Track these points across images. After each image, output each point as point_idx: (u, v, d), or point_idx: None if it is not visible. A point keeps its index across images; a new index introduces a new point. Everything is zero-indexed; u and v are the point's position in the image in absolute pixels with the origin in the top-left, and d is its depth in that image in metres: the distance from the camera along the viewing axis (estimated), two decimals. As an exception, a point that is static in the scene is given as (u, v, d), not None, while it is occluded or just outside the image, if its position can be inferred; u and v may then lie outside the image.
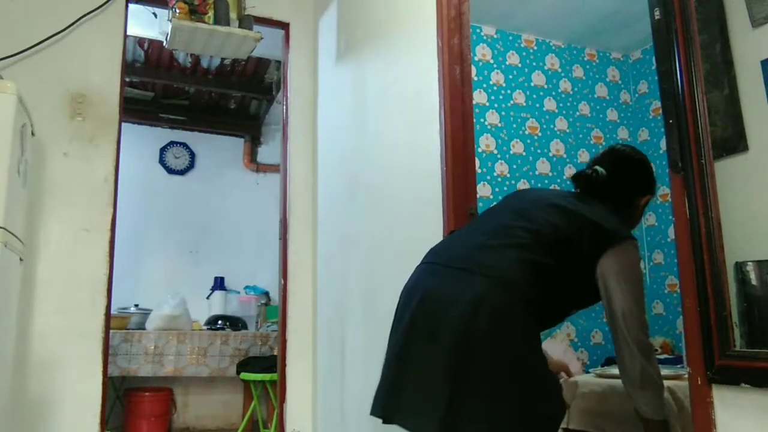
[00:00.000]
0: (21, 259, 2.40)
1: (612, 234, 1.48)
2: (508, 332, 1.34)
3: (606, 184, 1.64)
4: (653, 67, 4.12)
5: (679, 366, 1.92)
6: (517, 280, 1.40)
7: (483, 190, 3.86)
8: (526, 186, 4.06)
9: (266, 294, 4.93)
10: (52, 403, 2.57)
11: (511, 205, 1.63)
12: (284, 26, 3.48)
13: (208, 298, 4.84)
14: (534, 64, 4.21)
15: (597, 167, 1.66)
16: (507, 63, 4.14)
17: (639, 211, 1.70)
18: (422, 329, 1.39)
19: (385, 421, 1.41)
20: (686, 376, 1.55)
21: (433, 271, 1.49)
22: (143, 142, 5.02)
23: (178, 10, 2.79)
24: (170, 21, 2.80)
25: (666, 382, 1.60)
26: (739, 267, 1.20)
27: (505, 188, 4.00)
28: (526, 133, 4.13)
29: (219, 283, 4.93)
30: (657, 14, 1.28)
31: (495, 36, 4.13)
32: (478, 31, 4.03)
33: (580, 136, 4.29)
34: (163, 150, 5.19)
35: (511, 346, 1.33)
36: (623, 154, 1.77)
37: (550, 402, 1.38)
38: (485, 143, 4.00)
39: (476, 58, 4.00)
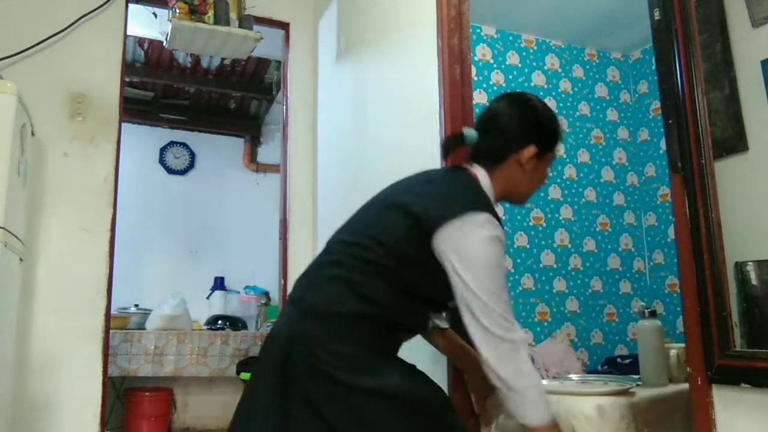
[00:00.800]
0: (21, 259, 2.40)
1: (434, 220, 1.29)
2: (320, 368, 1.24)
3: (477, 147, 1.45)
4: (653, 67, 4.12)
5: (630, 377, 1.76)
6: (329, 307, 1.29)
7: (483, 190, 3.86)
8: (526, 186, 4.05)
9: (266, 294, 4.93)
10: (52, 403, 2.57)
11: (361, 210, 1.53)
12: (284, 26, 3.48)
13: (208, 298, 4.84)
14: (534, 64, 4.22)
15: (465, 129, 1.48)
16: (507, 63, 4.14)
17: (525, 167, 1.42)
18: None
19: None
20: (633, 389, 1.52)
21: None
22: (143, 142, 5.02)
23: (178, 10, 2.79)
24: (170, 21, 2.80)
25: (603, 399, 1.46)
26: (739, 267, 1.20)
27: (505, 188, 4.00)
28: (526, 133, 4.13)
29: (219, 283, 4.93)
30: (657, 14, 1.28)
31: (495, 36, 4.13)
32: (478, 31, 4.03)
33: (580, 136, 4.29)
34: (163, 150, 5.19)
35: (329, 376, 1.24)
36: (493, 105, 1.51)
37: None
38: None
39: (476, 58, 4.00)
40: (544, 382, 1.80)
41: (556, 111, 4.25)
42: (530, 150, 1.41)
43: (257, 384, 1.36)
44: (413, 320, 1.38)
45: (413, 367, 1.34)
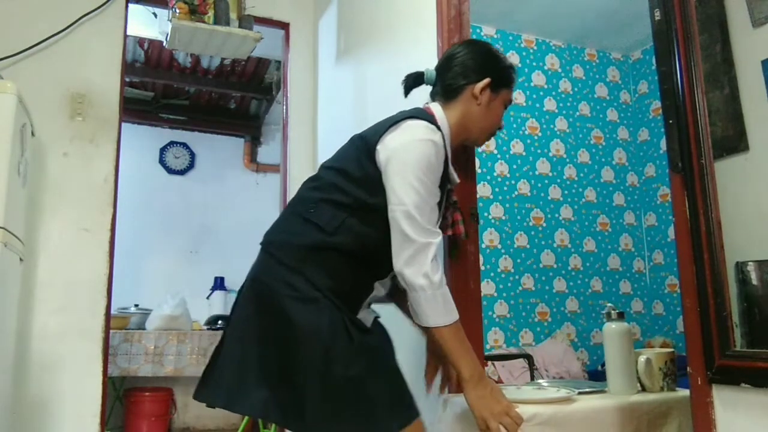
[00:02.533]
0: (21, 259, 2.40)
1: (375, 134, 1.37)
2: (268, 300, 1.32)
3: (435, 85, 1.52)
4: (653, 67, 4.13)
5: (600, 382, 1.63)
6: (283, 239, 1.37)
7: (483, 190, 3.86)
8: (527, 186, 4.06)
9: (266, 294, 4.93)
10: (52, 403, 2.57)
11: None
12: (284, 26, 3.48)
13: (208, 298, 4.84)
14: (534, 64, 4.22)
15: (426, 69, 1.55)
16: (507, 63, 4.14)
17: (479, 99, 1.46)
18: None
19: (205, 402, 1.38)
20: (574, 397, 1.40)
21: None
22: (143, 142, 5.03)
23: (178, 10, 2.79)
24: (170, 21, 2.80)
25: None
26: (740, 267, 1.20)
27: (505, 188, 4.01)
28: (526, 133, 4.14)
29: (219, 283, 4.93)
30: (657, 14, 1.28)
31: (495, 36, 4.13)
32: (478, 31, 4.03)
33: (580, 136, 4.30)
34: (163, 150, 5.19)
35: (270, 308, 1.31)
36: (450, 49, 1.59)
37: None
38: (485, 143, 3.99)
39: (476, 58, 4.00)
40: (543, 382, 1.76)
41: (556, 111, 4.26)
42: (484, 81, 1.46)
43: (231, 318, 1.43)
44: (370, 249, 1.36)
45: (358, 321, 1.34)
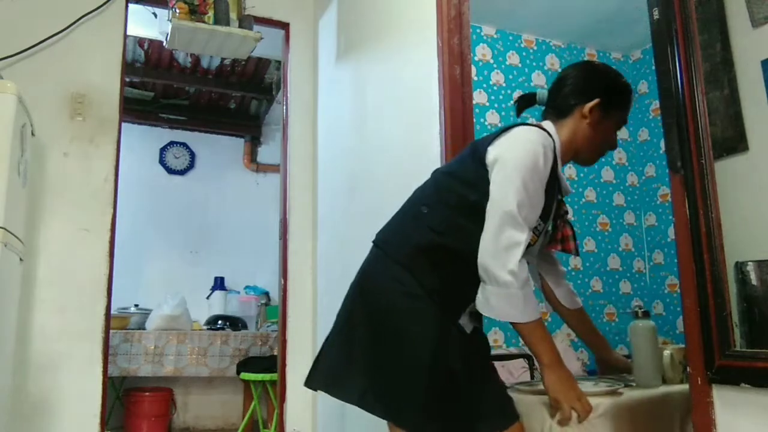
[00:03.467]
0: (21, 259, 2.40)
1: (487, 142, 1.40)
2: (375, 292, 1.39)
3: (546, 105, 1.56)
4: (653, 67, 4.12)
5: (626, 377, 1.72)
6: (397, 238, 1.42)
7: (483, 190, 3.86)
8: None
9: (266, 294, 4.94)
10: (52, 403, 2.57)
11: None
12: (284, 26, 3.48)
13: (208, 298, 4.84)
14: (534, 64, 4.22)
15: (538, 90, 1.60)
16: (507, 63, 4.14)
17: (590, 118, 1.47)
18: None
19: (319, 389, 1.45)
20: (621, 390, 1.47)
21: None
22: (143, 142, 5.03)
23: (178, 10, 2.79)
24: (170, 21, 2.80)
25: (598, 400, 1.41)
26: (739, 267, 1.20)
27: (505, 188, 4.00)
28: (526, 133, 4.13)
29: (219, 283, 4.93)
30: (657, 14, 1.28)
31: (495, 36, 4.13)
32: (478, 31, 4.03)
33: (580, 136, 4.29)
34: (163, 150, 5.19)
35: (379, 306, 1.37)
36: (563, 71, 1.61)
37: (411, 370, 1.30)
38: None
39: (476, 58, 4.00)
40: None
41: (556, 111, 4.26)
42: (594, 101, 1.47)
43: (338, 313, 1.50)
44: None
45: (457, 331, 1.38)
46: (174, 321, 4.08)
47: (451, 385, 1.31)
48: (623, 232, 4.30)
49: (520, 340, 4.14)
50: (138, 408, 4.05)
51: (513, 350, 3.65)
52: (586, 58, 4.41)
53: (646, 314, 1.62)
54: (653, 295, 4.23)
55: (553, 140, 1.43)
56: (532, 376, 3.14)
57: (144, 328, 4.12)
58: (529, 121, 1.51)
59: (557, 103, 1.52)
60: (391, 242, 1.44)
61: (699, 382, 1.17)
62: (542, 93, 1.58)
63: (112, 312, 2.81)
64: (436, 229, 1.37)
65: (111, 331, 2.81)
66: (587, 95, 1.48)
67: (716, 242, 1.16)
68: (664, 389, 1.55)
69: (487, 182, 1.35)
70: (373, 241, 1.50)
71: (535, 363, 3.47)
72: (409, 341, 1.32)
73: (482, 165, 1.38)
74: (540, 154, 1.33)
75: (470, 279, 1.35)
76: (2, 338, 2.15)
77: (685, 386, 1.48)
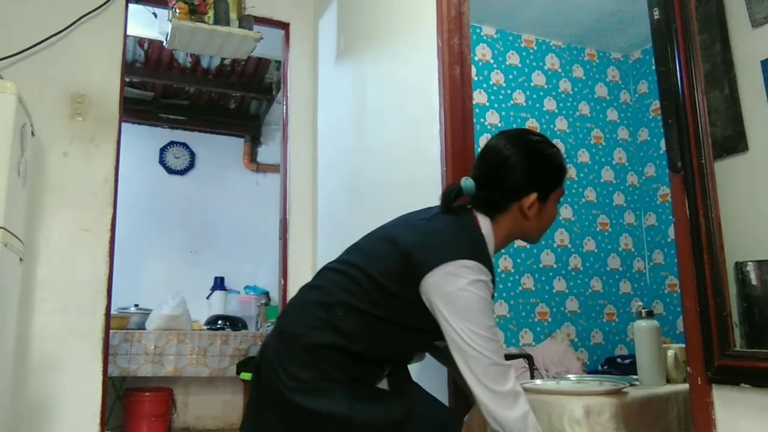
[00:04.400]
0: (21, 259, 2.40)
1: (423, 262, 1.29)
2: (279, 397, 1.32)
3: (476, 197, 1.41)
4: (653, 67, 4.12)
5: (630, 377, 1.73)
6: (300, 335, 1.35)
7: (483, 190, 3.86)
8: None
9: (266, 294, 4.93)
10: (52, 403, 2.57)
11: (360, 240, 1.50)
12: (284, 26, 3.48)
13: (208, 298, 4.84)
14: (534, 64, 4.22)
15: (463, 180, 1.41)
16: (507, 63, 4.14)
17: (528, 214, 1.39)
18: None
19: None
20: (627, 389, 1.50)
21: None
22: (143, 142, 5.02)
23: (178, 10, 2.79)
24: (170, 21, 2.80)
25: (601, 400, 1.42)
26: (739, 267, 1.20)
27: (505, 188, 4.00)
28: (526, 133, 4.13)
29: (219, 283, 4.93)
30: (657, 14, 1.28)
31: (495, 36, 4.13)
32: (478, 31, 4.03)
33: (580, 136, 4.29)
34: (163, 150, 5.19)
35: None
36: (489, 149, 1.45)
37: None
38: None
39: (476, 58, 4.00)
40: (539, 382, 1.81)
41: (556, 111, 4.26)
42: (531, 198, 1.38)
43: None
44: (398, 350, 1.39)
45: (375, 391, 1.37)
46: (174, 321, 4.08)
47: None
48: (623, 232, 4.30)
49: (521, 339, 4.12)
50: (138, 408, 4.05)
51: (513, 350, 3.65)
52: (586, 59, 4.41)
53: (650, 314, 1.64)
54: (653, 295, 4.23)
55: (488, 246, 1.37)
56: (532, 377, 3.14)
57: (144, 328, 4.12)
58: (467, 214, 1.42)
59: (489, 200, 1.41)
60: (294, 336, 1.35)
61: (699, 382, 1.17)
62: (468, 186, 1.40)
63: (112, 312, 2.81)
64: (350, 337, 1.31)
65: (111, 331, 2.81)
66: (519, 193, 1.39)
67: (716, 242, 1.16)
68: (668, 388, 1.58)
69: (418, 306, 1.30)
70: (276, 328, 1.43)
71: (535, 363, 3.47)
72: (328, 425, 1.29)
73: (417, 291, 1.30)
74: (488, 296, 1.29)
75: (380, 368, 1.38)
76: (2, 338, 2.15)
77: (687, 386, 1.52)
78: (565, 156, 1.51)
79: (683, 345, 1.58)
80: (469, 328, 1.25)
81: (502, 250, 1.67)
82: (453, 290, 1.27)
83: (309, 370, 1.30)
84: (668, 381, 1.65)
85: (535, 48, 4.25)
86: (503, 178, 1.40)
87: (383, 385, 1.41)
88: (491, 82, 4.06)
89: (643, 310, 1.65)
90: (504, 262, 3.91)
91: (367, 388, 1.37)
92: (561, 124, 4.24)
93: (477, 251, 1.32)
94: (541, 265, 4.01)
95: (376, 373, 1.40)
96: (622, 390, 1.47)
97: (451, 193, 1.42)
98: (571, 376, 1.81)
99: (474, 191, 1.40)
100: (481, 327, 1.26)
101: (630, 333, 4.19)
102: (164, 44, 3.01)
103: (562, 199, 1.48)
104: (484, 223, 1.40)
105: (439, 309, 1.28)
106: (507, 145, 1.42)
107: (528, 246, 3.99)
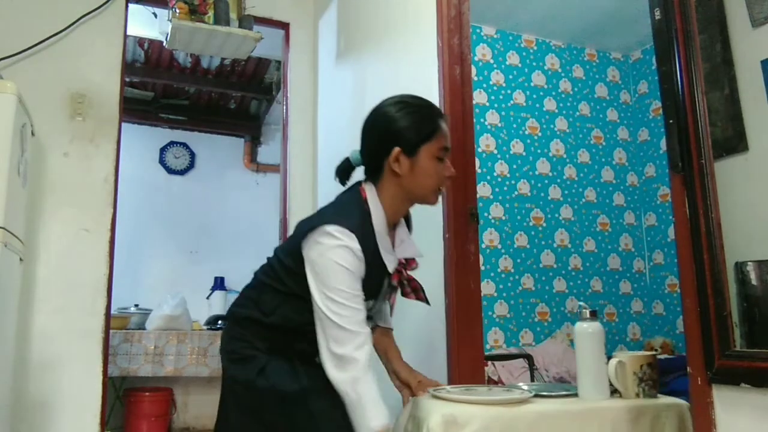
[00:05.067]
0: (21, 259, 2.40)
1: (301, 234, 1.39)
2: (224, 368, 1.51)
3: (362, 163, 1.49)
4: (653, 67, 4.13)
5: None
6: (234, 314, 1.53)
7: (483, 190, 3.86)
8: (527, 186, 4.06)
9: (266, 294, 4.93)
10: (52, 403, 2.57)
11: None
12: (284, 26, 3.48)
13: (208, 298, 4.84)
14: (534, 64, 4.22)
15: (351, 152, 1.51)
16: (507, 63, 4.15)
17: (400, 170, 1.40)
18: None
19: None
20: (529, 400, 1.30)
21: None
22: (143, 142, 5.02)
23: (178, 10, 2.79)
24: (170, 21, 2.81)
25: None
26: (739, 267, 1.20)
27: (505, 188, 4.01)
28: (526, 133, 4.14)
29: (219, 283, 4.93)
30: (657, 14, 1.28)
31: (495, 36, 4.13)
32: (478, 31, 4.03)
33: (580, 136, 4.29)
34: (163, 150, 5.19)
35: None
36: (364, 122, 1.50)
37: None
38: (485, 143, 4.00)
39: (476, 58, 4.00)
40: (525, 386, 1.57)
41: (556, 111, 4.26)
42: (394, 153, 1.40)
43: None
44: (304, 321, 1.40)
45: (287, 361, 1.43)
46: (174, 321, 4.08)
47: (297, 408, 1.37)
48: (623, 232, 4.30)
49: (521, 339, 4.12)
50: (138, 408, 4.04)
51: (513, 350, 3.65)
52: (586, 59, 4.41)
53: (594, 315, 1.41)
54: (653, 295, 4.23)
55: (368, 215, 1.40)
56: (532, 377, 3.14)
57: (144, 328, 4.11)
58: (356, 189, 1.47)
59: (368, 166, 1.47)
60: (230, 316, 1.55)
61: (699, 382, 1.17)
62: (354, 156, 1.49)
63: (112, 312, 2.81)
64: (265, 311, 1.45)
65: (111, 331, 2.81)
66: (386, 148, 1.41)
67: (716, 242, 1.16)
68: (604, 403, 1.34)
69: (305, 277, 1.37)
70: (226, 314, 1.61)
71: (535, 363, 3.46)
72: (250, 391, 1.42)
73: (301, 261, 1.38)
74: (347, 263, 1.32)
75: (300, 344, 1.44)
76: (2, 338, 2.15)
77: (633, 401, 1.35)
78: (441, 113, 1.50)
79: (639, 353, 1.42)
80: (323, 292, 1.32)
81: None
82: (314, 257, 1.35)
83: (239, 340, 1.46)
84: (619, 395, 1.38)
85: (535, 48, 4.25)
86: (369, 140, 1.47)
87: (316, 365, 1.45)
88: (491, 82, 4.06)
89: (585, 310, 1.42)
90: (504, 262, 3.91)
91: (289, 359, 1.43)
92: (561, 124, 4.24)
93: (342, 217, 1.37)
94: (541, 265, 4.01)
95: (298, 345, 1.44)
96: (513, 401, 1.30)
97: (342, 165, 1.53)
98: (522, 385, 1.56)
99: (360, 162, 1.50)
100: (333, 291, 1.31)
101: (630, 333, 4.20)
102: (164, 44, 3.01)
103: (444, 155, 1.44)
104: (369, 191, 1.44)
105: (308, 277, 1.36)
106: (371, 111, 1.50)
107: (528, 246, 3.99)
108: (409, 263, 1.49)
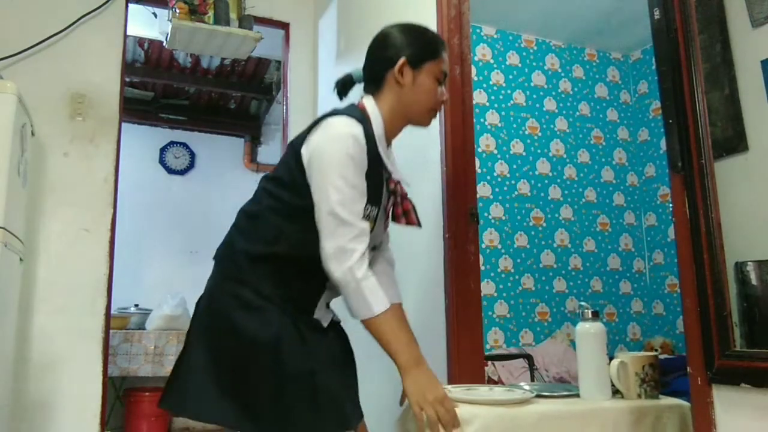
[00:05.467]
0: (21, 259, 2.40)
1: (301, 138, 1.38)
2: (214, 313, 1.39)
3: (363, 79, 1.52)
4: (653, 67, 4.12)
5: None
6: (230, 252, 1.43)
7: (483, 190, 3.87)
8: (527, 186, 4.06)
9: (266, 294, 4.93)
10: (52, 403, 2.57)
11: None
12: (284, 26, 3.48)
13: (208, 298, 4.84)
14: (534, 64, 4.22)
15: (354, 69, 1.54)
16: (507, 63, 4.15)
17: (402, 81, 1.44)
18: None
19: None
20: (523, 399, 1.29)
21: None
22: (143, 142, 5.02)
23: (178, 10, 2.79)
24: (170, 21, 2.81)
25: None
26: (739, 267, 1.20)
27: (505, 188, 4.01)
28: (526, 133, 4.14)
29: (219, 283, 4.93)
30: (657, 14, 1.28)
31: (495, 36, 4.13)
32: (478, 31, 4.03)
33: (580, 136, 4.30)
34: (163, 150, 5.19)
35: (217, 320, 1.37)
36: (372, 40, 1.56)
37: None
38: (485, 143, 4.00)
39: (476, 58, 4.00)
40: (510, 390, 1.55)
41: (556, 111, 4.26)
42: (400, 62, 1.43)
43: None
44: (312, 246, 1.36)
45: (297, 331, 1.34)
46: (174, 321, 4.08)
47: (300, 384, 1.29)
48: (623, 232, 4.31)
49: (521, 340, 4.11)
50: (138, 408, 4.05)
51: (513, 350, 3.65)
52: (586, 59, 4.41)
53: (596, 315, 1.41)
54: (653, 295, 4.23)
55: (373, 123, 1.40)
56: (532, 377, 3.14)
57: (144, 328, 4.12)
58: (353, 103, 1.48)
59: (370, 77, 1.50)
60: (224, 257, 1.45)
61: (699, 382, 1.17)
62: (357, 72, 1.53)
63: (112, 312, 2.81)
64: (267, 239, 1.37)
65: (111, 331, 2.81)
66: (392, 59, 1.45)
67: (716, 242, 1.16)
68: (605, 404, 1.34)
69: (307, 185, 1.34)
70: (213, 257, 1.50)
71: (535, 363, 3.46)
72: (253, 357, 1.30)
73: (300, 168, 1.36)
74: (349, 146, 1.31)
75: (312, 277, 1.36)
76: (2, 338, 2.15)
77: (635, 402, 1.35)
78: (444, 44, 1.55)
79: (642, 353, 1.42)
80: (324, 182, 1.30)
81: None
82: (316, 146, 1.33)
83: (245, 286, 1.36)
84: (620, 395, 1.38)
85: (535, 48, 4.25)
86: (377, 50, 1.50)
87: (321, 315, 1.41)
88: (491, 82, 4.06)
89: (587, 310, 1.41)
90: (504, 262, 3.91)
91: (305, 317, 1.37)
92: (561, 124, 4.24)
93: (343, 113, 1.37)
94: (541, 265, 4.01)
95: (310, 291, 1.39)
96: (515, 401, 1.29)
97: (343, 78, 1.55)
98: (525, 385, 1.54)
99: (361, 78, 1.52)
100: (335, 178, 1.29)
101: (630, 333, 4.20)
102: (164, 44, 3.01)
103: (443, 81, 1.49)
104: (368, 102, 1.46)
105: (309, 173, 1.33)
106: (381, 30, 1.54)
107: (528, 246, 3.99)
108: (400, 187, 1.49)
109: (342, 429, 1.30)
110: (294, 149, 1.39)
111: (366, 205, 1.34)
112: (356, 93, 1.56)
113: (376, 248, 1.51)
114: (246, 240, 1.40)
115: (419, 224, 1.49)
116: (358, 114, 1.39)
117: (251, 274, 1.36)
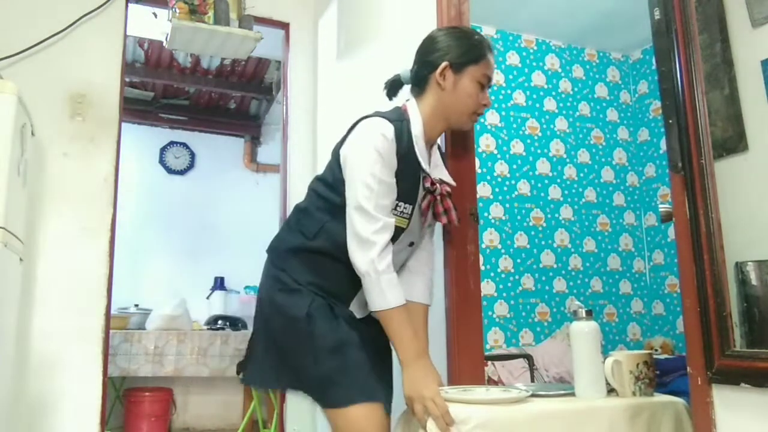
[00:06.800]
0: (21, 259, 2.40)
1: (342, 140, 1.49)
2: (262, 296, 1.54)
3: (410, 81, 1.59)
4: (653, 67, 4.13)
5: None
6: (276, 243, 1.56)
7: (483, 190, 3.87)
8: (527, 186, 4.06)
9: (266, 294, 4.92)
10: (52, 403, 2.57)
11: None
12: (284, 26, 3.48)
13: (208, 298, 4.84)
14: (534, 64, 4.22)
15: (402, 70, 1.62)
16: (507, 63, 4.15)
17: (444, 84, 1.50)
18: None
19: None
20: (527, 398, 1.30)
21: None
22: (143, 142, 5.03)
23: (178, 10, 2.79)
24: (170, 21, 2.80)
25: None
26: (739, 267, 1.20)
27: (505, 188, 4.01)
28: (526, 133, 4.14)
29: (219, 283, 4.93)
30: (657, 14, 1.28)
31: (495, 36, 4.13)
32: (478, 31, 4.03)
33: (580, 136, 4.30)
34: (163, 150, 5.19)
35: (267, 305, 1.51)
36: (420, 43, 1.63)
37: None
38: (485, 143, 4.00)
39: (476, 58, 3.99)
40: (505, 390, 1.57)
41: (556, 111, 4.26)
42: (442, 66, 1.49)
43: None
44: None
45: (329, 309, 1.45)
46: (174, 321, 4.08)
47: (334, 356, 1.38)
48: (623, 232, 4.31)
49: (521, 339, 4.11)
50: (138, 408, 4.05)
51: (513, 350, 3.65)
52: (586, 59, 4.41)
53: (590, 314, 1.41)
54: (653, 295, 4.23)
55: (407, 121, 1.46)
56: (532, 377, 3.14)
57: (144, 329, 4.12)
58: (397, 106, 1.55)
59: (415, 79, 1.56)
60: (272, 248, 1.57)
61: (699, 382, 1.17)
62: (405, 72, 1.60)
63: (112, 312, 2.81)
64: (307, 234, 1.48)
65: (111, 331, 2.81)
66: (435, 62, 1.51)
67: (716, 242, 1.16)
68: (600, 402, 1.34)
69: (344, 184, 1.44)
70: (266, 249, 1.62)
71: (535, 363, 3.46)
72: (293, 329, 1.42)
73: (339, 167, 1.47)
74: (378, 144, 1.38)
75: (347, 272, 1.42)
76: (2, 338, 2.15)
77: (630, 400, 1.36)
78: (491, 46, 1.60)
79: (637, 351, 1.43)
80: (354, 178, 1.39)
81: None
82: (350, 144, 1.45)
83: (284, 272, 1.49)
84: (616, 393, 1.40)
85: (535, 48, 4.25)
86: (423, 54, 1.57)
87: (356, 309, 1.49)
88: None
89: (580, 309, 1.42)
90: (504, 262, 3.91)
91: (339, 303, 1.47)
92: (561, 124, 4.24)
93: (379, 114, 1.46)
94: (541, 265, 4.01)
95: (344, 285, 1.46)
96: (510, 400, 1.29)
97: (392, 79, 1.64)
98: (520, 386, 1.53)
99: (409, 79, 1.59)
100: (363, 174, 1.38)
101: (630, 333, 4.20)
102: (164, 44, 3.00)
103: (486, 84, 1.53)
104: (411, 106, 1.53)
105: (344, 172, 1.43)
106: (429, 34, 1.62)
107: (528, 246, 3.99)
108: (441, 186, 1.53)
109: (369, 399, 1.35)
110: (335, 150, 1.50)
111: (398, 202, 1.43)
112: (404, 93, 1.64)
113: (413, 244, 1.57)
114: (289, 232, 1.54)
115: (458, 222, 1.58)
116: (395, 115, 1.47)
117: (289, 263, 1.48)
